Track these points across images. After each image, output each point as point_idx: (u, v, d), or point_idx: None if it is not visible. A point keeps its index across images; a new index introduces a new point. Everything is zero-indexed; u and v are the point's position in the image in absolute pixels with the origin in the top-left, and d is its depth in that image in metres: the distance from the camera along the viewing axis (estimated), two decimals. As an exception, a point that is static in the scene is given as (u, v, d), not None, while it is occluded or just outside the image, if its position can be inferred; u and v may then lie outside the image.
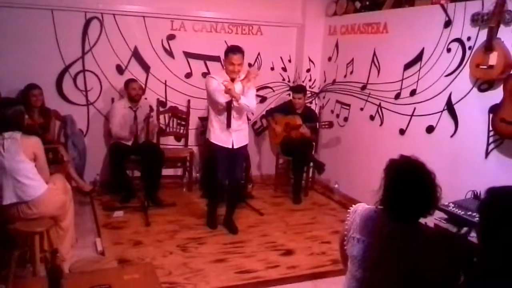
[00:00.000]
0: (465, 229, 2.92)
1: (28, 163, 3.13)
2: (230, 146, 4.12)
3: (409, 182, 1.76)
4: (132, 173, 5.16)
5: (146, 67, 5.28)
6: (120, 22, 5.07)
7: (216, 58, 5.50)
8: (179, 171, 5.62)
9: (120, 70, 5.18)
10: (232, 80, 4.01)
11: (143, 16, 5.14)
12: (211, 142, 4.18)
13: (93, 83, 5.11)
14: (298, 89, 5.36)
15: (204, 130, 5.57)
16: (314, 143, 5.55)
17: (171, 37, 5.32)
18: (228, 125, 4.07)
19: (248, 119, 4.76)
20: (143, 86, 5.21)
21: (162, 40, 5.29)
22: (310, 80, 5.82)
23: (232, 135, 4.12)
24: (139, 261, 3.61)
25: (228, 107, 4.02)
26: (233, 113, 4.07)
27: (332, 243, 4.01)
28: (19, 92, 4.62)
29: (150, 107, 4.89)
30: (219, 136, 4.12)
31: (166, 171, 5.31)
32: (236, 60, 3.95)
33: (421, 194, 1.74)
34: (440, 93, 3.99)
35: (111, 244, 3.88)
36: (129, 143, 4.87)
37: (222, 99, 3.94)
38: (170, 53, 5.35)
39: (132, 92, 4.85)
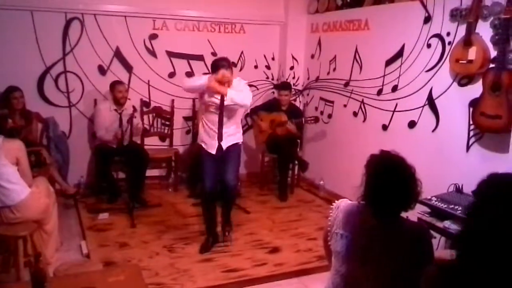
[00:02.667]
0: (447, 222, 2.97)
1: (10, 167, 3.09)
2: (214, 152, 3.75)
3: (388, 176, 1.78)
4: (117, 174, 5.12)
5: (128, 67, 5.24)
6: (101, 22, 5.02)
7: (199, 57, 5.50)
8: (164, 172, 5.60)
9: (102, 70, 5.13)
10: None
11: (125, 16, 5.10)
12: (200, 145, 3.86)
13: (75, 85, 5.06)
14: (285, 86, 5.39)
15: (190, 130, 5.59)
16: (299, 141, 5.57)
17: (153, 36, 5.29)
18: (220, 138, 3.70)
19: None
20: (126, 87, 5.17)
21: (144, 40, 5.25)
22: (293, 77, 5.84)
23: (222, 142, 3.74)
24: (125, 263, 3.59)
25: (220, 115, 3.67)
26: (224, 119, 3.69)
27: (318, 239, 4.03)
28: (-1, 95, 4.56)
29: (134, 107, 4.85)
30: (207, 140, 3.78)
31: (151, 172, 5.28)
32: (227, 74, 3.60)
33: (400, 188, 1.77)
34: (421, 88, 4.04)
35: (97, 247, 3.85)
36: (114, 144, 4.82)
37: (199, 81, 3.66)
38: (152, 53, 5.32)
39: (118, 95, 4.75)
